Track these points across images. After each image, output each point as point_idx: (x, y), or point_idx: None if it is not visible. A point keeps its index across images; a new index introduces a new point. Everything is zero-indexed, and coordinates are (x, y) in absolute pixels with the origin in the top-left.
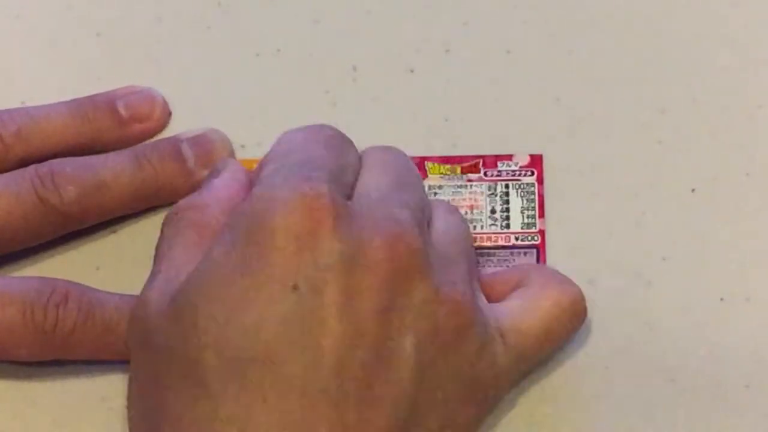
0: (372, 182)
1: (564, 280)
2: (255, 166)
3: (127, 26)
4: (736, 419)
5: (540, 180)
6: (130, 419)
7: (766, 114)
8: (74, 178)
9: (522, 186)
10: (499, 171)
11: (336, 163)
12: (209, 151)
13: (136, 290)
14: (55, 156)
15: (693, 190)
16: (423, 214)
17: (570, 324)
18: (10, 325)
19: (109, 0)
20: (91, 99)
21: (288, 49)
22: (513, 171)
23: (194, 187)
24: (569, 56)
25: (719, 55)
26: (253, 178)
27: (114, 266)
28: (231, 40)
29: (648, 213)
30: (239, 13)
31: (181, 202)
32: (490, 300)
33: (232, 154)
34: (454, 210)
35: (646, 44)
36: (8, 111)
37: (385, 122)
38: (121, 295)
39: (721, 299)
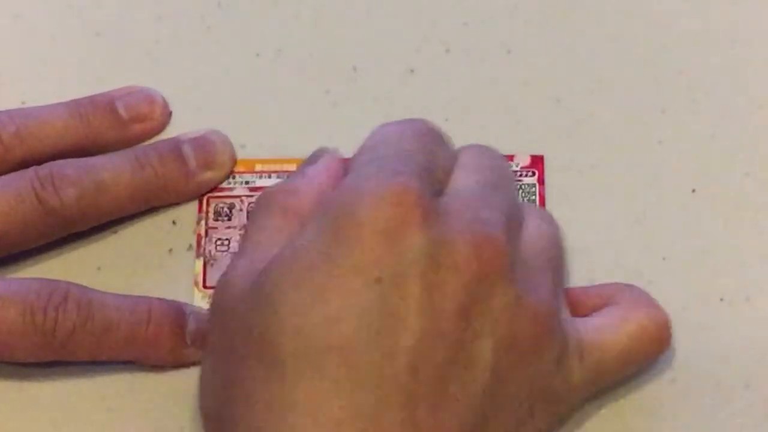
0: (464, 181)
1: (653, 304)
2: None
3: (127, 26)
4: (736, 419)
5: (541, 180)
6: (203, 392)
7: (766, 114)
8: (74, 180)
9: (523, 187)
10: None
11: (428, 158)
12: (210, 152)
13: (137, 290)
14: (54, 157)
15: (693, 190)
16: (514, 218)
17: (652, 349)
18: (10, 327)
19: (109, 0)
20: (91, 99)
21: (288, 49)
22: (514, 171)
23: (195, 188)
24: (569, 56)
25: (719, 55)
26: (344, 166)
27: (115, 267)
28: (231, 40)
29: (648, 213)
30: (239, 13)
31: (275, 186)
32: (575, 314)
33: (233, 156)
34: (548, 217)
35: (646, 44)
36: (7, 112)
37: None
38: (122, 296)
39: (721, 299)
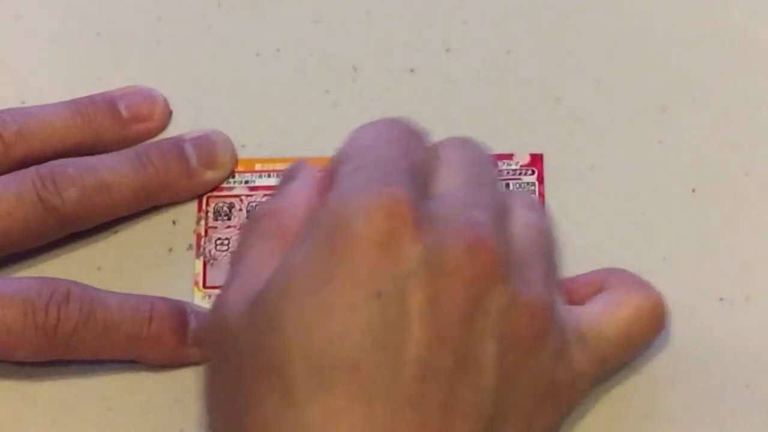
0: (449, 181)
1: (645, 285)
2: (326, 163)
3: (127, 26)
4: (736, 419)
5: (540, 179)
6: (211, 416)
7: (766, 114)
8: (75, 180)
9: (522, 185)
10: (500, 170)
11: (411, 159)
12: (212, 151)
13: (137, 290)
14: (55, 156)
15: (693, 190)
16: (502, 212)
17: (650, 330)
18: (11, 326)
19: (109, 0)
20: (92, 99)
21: (288, 49)
22: (513, 170)
23: (196, 187)
24: (569, 56)
25: (719, 55)
26: (325, 178)
27: (115, 266)
28: (231, 40)
29: (648, 213)
30: (239, 13)
31: (260, 208)
32: (571, 302)
33: (234, 156)
34: (534, 204)
35: (646, 44)
36: (9, 111)
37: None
38: (124, 295)
39: (721, 299)
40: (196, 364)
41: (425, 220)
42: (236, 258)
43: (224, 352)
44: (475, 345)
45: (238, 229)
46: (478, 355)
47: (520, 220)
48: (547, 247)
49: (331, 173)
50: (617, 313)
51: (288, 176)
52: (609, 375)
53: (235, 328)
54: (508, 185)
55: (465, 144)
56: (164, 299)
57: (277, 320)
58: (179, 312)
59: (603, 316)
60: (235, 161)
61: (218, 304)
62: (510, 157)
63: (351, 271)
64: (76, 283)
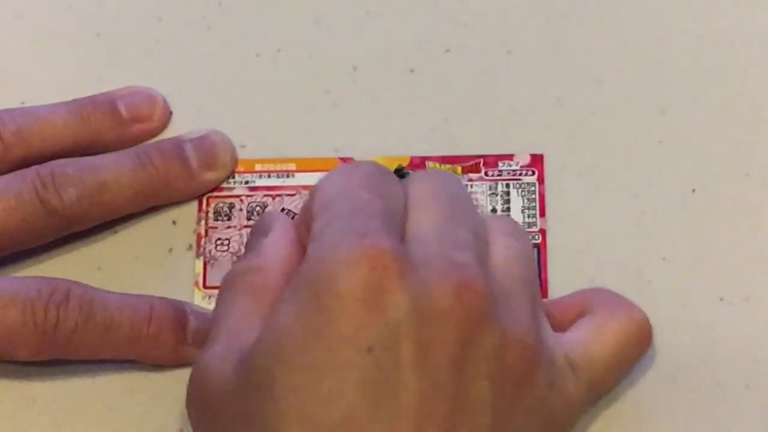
0: (424, 221)
1: (628, 306)
2: (298, 214)
3: (127, 26)
4: (736, 419)
5: (541, 179)
6: None
7: (766, 114)
8: (75, 180)
9: (523, 185)
10: (500, 170)
11: (385, 204)
12: (212, 152)
13: (137, 290)
14: (55, 156)
15: (693, 190)
16: (481, 247)
17: (637, 351)
18: (11, 326)
19: (109, 0)
20: (92, 99)
21: (288, 49)
22: (514, 170)
23: (196, 188)
24: (569, 56)
25: (719, 55)
26: (301, 230)
27: (115, 266)
28: (231, 40)
29: (648, 213)
30: (239, 13)
31: (237, 266)
32: (555, 327)
33: (234, 157)
34: (514, 229)
35: (646, 44)
36: (8, 111)
37: (385, 122)
38: (123, 295)
39: (721, 299)
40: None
41: (408, 268)
42: (216, 318)
43: (210, 416)
44: (468, 388)
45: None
46: (473, 397)
47: (502, 251)
48: (530, 275)
49: (306, 224)
50: (603, 337)
51: (261, 229)
52: (600, 397)
53: (222, 393)
54: (508, 186)
55: (435, 178)
56: (164, 299)
57: (267, 383)
58: (179, 312)
59: (590, 342)
60: (235, 162)
61: (201, 368)
62: (510, 157)
63: (339, 328)
64: (75, 283)
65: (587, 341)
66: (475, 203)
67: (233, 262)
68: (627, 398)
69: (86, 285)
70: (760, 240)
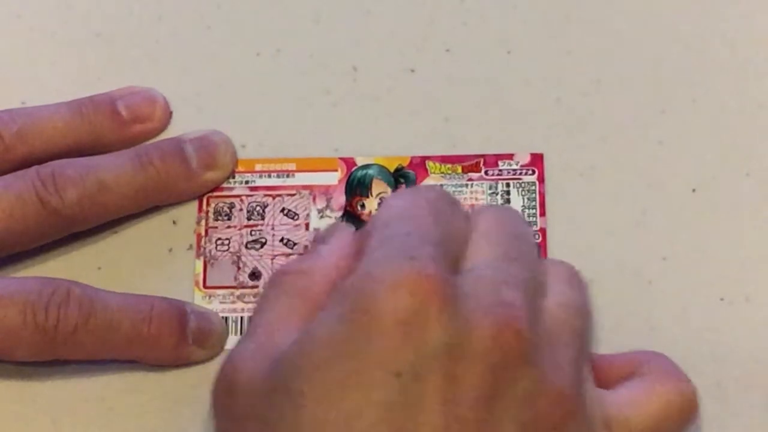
0: (482, 254)
1: (680, 377)
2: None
3: (127, 26)
4: (736, 419)
5: (541, 179)
6: None
7: (766, 114)
8: (75, 180)
9: (523, 185)
10: (500, 170)
11: (442, 232)
12: (212, 152)
13: (137, 290)
14: (56, 156)
15: (693, 190)
16: (536, 290)
17: (679, 425)
18: (10, 326)
19: (109, 0)
20: (92, 99)
21: (288, 49)
22: (514, 170)
23: (197, 188)
24: (569, 56)
25: (719, 55)
26: (358, 244)
27: (115, 266)
28: (231, 40)
29: (648, 213)
30: (239, 13)
31: (287, 266)
32: (601, 382)
33: (234, 156)
34: (573, 278)
35: (646, 44)
36: (9, 111)
37: (385, 122)
38: (123, 295)
39: (721, 299)
40: (196, 363)
41: (452, 298)
42: (257, 313)
43: (234, 411)
44: (494, 428)
45: (263, 287)
46: None
47: (556, 297)
48: (581, 326)
49: (363, 240)
50: (647, 404)
51: (323, 236)
52: None
53: (249, 390)
54: (508, 185)
55: (502, 214)
56: (164, 299)
57: (294, 390)
58: (179, 312)
59: (632, 406)
60: (236, 162)
61: (230, 365)
62: (510, 157)
63: (372, 348)
64: (76, 283)
65: (630, 404)
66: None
67: (283, 263)
68: None
69: (86, 285)
70: (760, 240)
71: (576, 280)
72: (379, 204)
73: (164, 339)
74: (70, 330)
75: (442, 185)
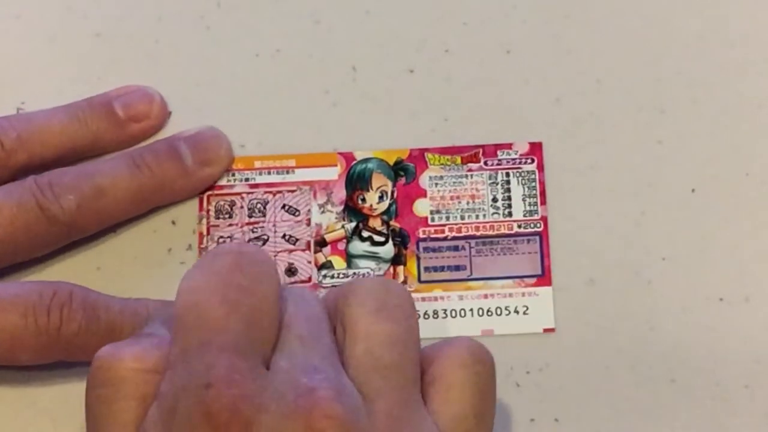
0: (282, 348)
1: (455, 343)
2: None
3: (127, 26)
4: (736, 419)
5: (540, 167)
6: None
7: (766, 114)
8: (73, 187)
9: (523, 174)
10: (499, 160)
11: (242, 323)
12: (207, 148)
13: (137, 290)
14: (56, 161)
15: (693, 190)
16: (337, 356)
17: (484, 375)
18: (12, 330)
19: (109, 0)
20: (89, 102)
21: (288, 49)
22: (513, 159)
23: (194, 185)
24: (569, 56)
25: (719, 55)
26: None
27: (115, 266)
28: (231, 40)
29: (648, 213)
30: (239, 13)
31: (129, 349)
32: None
33: (229, 151)
34: (383, 310)
35: (646, 44)
36: (6, 118)
37: (385, 122)
38: (122, 299)
39: (721, 299)
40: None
41: (260, 409)
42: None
43: None
44: None
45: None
46: None
47: (362, 341)
48: (394, 357)
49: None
50: (454, 396)
51: (155, 316)
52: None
53: None
54: (508, 175)
55: (298, 298)
56: (161, 301)
57: None
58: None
59: (447, 404)
60: (231, 155)
61: None
62: (509, 146)
63: None
64: (77, 286)
65: (444, 406)
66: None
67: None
68: (627, 398)
69: (86, 288)
70: (760, 240)
71: (384, 311)
72: (380, 198)
73: None
74: (73, 332)
75: (441, 177)
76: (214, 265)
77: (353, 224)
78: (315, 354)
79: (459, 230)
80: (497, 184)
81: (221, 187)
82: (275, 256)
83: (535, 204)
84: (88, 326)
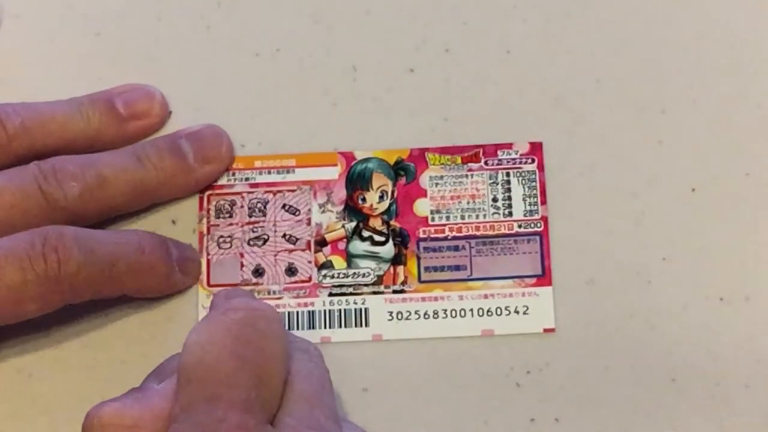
0: (288, 405)
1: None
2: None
3: (127, 26)
4: (736, 419)
5: (541, 167)
6: None
7: (766, 114)
8: (76, 175)
9: (523, 174)
10: (500, 159)
11: (253, 379)
12: (208, 146)
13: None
14: (57, 151)
15: (693, 190)
16: (339, 420)
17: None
18: (12, 284)
19: (109, 0)
20: (90, 97)
21: (288, 49)
22: (513, 159)
23: (195, 182)
24: (569, 56)
25: (719, 55)
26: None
27: None
28: (231, 40)
29: (648, 213)
30: (239, 13)
31: (112, 409)
32: None
33: (230, 148)
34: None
35: (646, 44)
36: (11, 104)
37: (385, 122)
38: (111, 231)
39: (721, 299)
40: (181, 291)
41: None
42: None
43: None
44: None
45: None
46: None
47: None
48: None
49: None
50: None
51: (161, 372)
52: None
53: None
54: (508, 174)
55: (306, 352)
56: (146, 231)
57: None
58: (162, 241)
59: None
60: (232, 153)
61: None
62: (510, 146)
63: None
64: (64, 227)
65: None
66: (474, 190)
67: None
68: (627, 398)
69: (75, 227)
70: (760, 240)
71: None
72: (380, 198)
73: (158, 267)
74: (73, 270)
75: (442, 176)
76: (225, 321)
77: (353, 224)
78: (320, 413)
79: (459, 230)
80: (497, 183)
81: (221, 187)
82: (275, 256)
83: (536, 204)
84: (86, 261)
